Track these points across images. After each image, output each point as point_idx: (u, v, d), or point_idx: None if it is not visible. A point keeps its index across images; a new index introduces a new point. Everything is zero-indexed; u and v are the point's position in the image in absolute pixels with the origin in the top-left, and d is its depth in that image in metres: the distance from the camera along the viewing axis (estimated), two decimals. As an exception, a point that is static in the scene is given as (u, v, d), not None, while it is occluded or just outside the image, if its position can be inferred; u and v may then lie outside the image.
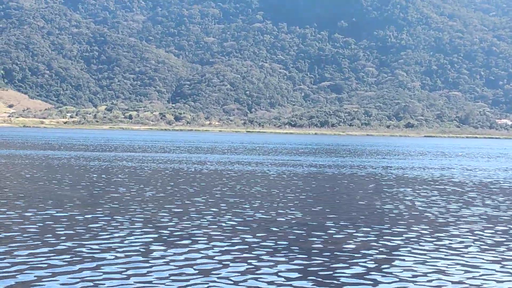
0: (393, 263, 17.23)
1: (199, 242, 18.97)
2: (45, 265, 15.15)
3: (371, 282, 15.13)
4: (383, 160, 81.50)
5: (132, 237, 19.34)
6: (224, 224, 22.49)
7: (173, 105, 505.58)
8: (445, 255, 18.65)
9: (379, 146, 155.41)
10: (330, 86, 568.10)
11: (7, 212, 23.75)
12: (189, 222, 22.78)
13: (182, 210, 25.96)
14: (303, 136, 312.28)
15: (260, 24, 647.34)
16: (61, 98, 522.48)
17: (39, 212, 23.95)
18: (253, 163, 62.48)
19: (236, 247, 18.35)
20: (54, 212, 24.21)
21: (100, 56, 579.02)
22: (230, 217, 24.37)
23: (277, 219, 24.31)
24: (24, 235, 19.04)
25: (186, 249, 17.63)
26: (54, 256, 16.12)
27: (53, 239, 18.52)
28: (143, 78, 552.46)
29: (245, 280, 14.55)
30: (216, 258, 16.78)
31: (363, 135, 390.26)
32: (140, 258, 16.49)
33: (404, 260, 17.81)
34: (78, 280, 13.95)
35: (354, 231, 22.03)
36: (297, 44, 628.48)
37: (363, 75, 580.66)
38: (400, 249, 19.29)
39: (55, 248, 17.29)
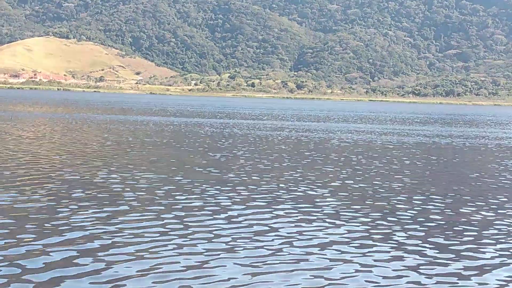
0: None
1: (326, 212, 18.75)
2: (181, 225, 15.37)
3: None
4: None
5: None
6: (348, 194, 22.17)
7: (295, 73, 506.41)
8: None
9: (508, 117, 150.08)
10: (456, 55, 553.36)
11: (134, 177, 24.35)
12: (309, 191, 22.58)
13: (298, 179, 25.81)
14: (428, 106, 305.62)
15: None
16: (186, 65, 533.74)
17: (161, 176, 24.41)
18: (374, 132, 61.70)
19: (355, 220, 18.02)
20: (176, 177, 24.60)
21: (224, 24, 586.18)
22: (353, 186, 24.04)
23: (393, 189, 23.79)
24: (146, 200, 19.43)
25: (314, 217, 17.45)
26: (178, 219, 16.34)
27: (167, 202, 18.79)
28: (265, 46, 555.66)
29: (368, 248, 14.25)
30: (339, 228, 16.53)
31: (490, 105, 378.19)
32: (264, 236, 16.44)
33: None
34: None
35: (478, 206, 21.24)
36: (422, 11, 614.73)
37: (492, 43, 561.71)
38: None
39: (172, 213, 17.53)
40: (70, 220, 16.00)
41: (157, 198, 19.83)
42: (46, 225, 15.41)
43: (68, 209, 17.35)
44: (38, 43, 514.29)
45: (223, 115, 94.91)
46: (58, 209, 17.34)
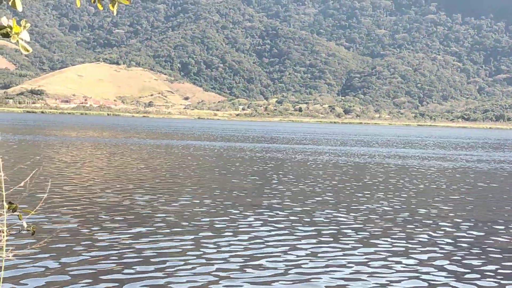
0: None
1: (368, 237, 18.89)
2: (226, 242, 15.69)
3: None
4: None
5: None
6: (390, 218, 22.25)
7: (343, 97, 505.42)
8: None
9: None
10: (506, 79, 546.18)
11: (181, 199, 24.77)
12: (348, 218, 22.73)
13: (334, 203, 25.95)
14: (478, 130, 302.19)
15: (433, 16, 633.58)
16: (233, 90, 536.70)
17: (205, 200, 24.80)
18: (421, 157, 61.40)
19: (399, 242, 18.09)
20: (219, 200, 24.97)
21: (272, 49, 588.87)
22: (394, 210, 24.10)
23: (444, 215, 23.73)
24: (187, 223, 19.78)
25: (355, 239, 17.60)
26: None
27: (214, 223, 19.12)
28: (313, 71, 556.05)
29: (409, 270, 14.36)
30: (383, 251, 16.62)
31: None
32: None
33: None
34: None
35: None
36: (471, 35, 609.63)
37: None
38: None
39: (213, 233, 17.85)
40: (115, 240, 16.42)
41: (196, 219, 20.22)
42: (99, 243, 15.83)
43: (109, 229, 17.82)
44: (88, 69, 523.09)
45: (268, 140, 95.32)
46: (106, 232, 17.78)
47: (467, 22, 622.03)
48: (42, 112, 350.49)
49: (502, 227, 21.64)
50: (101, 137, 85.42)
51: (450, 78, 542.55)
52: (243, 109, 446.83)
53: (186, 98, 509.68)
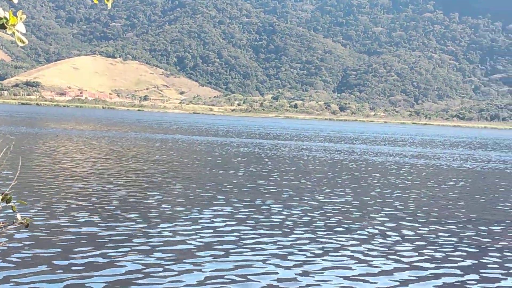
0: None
1: (364, 233, 18.80)
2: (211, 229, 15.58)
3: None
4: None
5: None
6: (387, 215, 22.16)
7: (339, 95, 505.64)
8: None
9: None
10: (502, 79, 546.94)
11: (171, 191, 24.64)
12: (352, 214, 22.65)
13: (333, 200, 25.85)
14: (472, 130, 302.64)
15: (431, 14, 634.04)
16: (229, 86, 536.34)
17: (201, 194, 24.66)
18: (415, 156, 61.33)
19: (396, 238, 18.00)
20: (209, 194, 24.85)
21: (268, 45, 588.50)
22: (392, 208, 24.02)
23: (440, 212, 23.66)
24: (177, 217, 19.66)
25: (347, 236, 17.49)
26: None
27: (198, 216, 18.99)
28: (309, 67, 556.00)
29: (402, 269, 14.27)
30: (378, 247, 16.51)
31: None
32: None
33: None
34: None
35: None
36: (468, 34, 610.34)
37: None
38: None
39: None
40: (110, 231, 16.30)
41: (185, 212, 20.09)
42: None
43: (106, 221, 17.70)
44: (84, 62, 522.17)
45: (257, 135, 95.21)
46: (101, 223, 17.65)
47: (464, 21, 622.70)
48: (37, 104, 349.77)
49: (487, 226, 21.58)
50: (95, 130, 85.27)
51: (446, 77, 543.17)
52: (239, 105, 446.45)
53: (182, 93, 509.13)
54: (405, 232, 19.80)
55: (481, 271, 15.34)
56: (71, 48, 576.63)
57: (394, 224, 21.05)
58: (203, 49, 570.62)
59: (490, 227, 21.73)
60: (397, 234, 19.33)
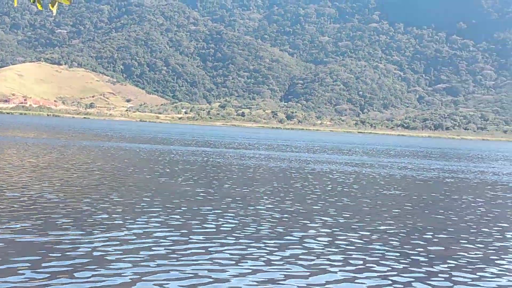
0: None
1: (307, 241, 18.84)
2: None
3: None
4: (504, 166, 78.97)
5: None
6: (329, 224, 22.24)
7: (285, 103, 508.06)
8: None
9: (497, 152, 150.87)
10: (445, 89, 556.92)
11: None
12: (298, 222, 22.67)
13: (282, 209, 25.89)
14: (416, 139, 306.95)
15: (376, 24, 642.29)
16: (176, 94, 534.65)
17: (151, 203, 24.45)
18: (361, 164, 61.91)
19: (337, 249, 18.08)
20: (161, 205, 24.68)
21: (216, 54, 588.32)
22: (337, 217, 24.13)
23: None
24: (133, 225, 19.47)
25: (301, 247, 17.52)
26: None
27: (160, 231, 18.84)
28: (256, 76, 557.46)
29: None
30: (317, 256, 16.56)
31: (478, 139, 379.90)
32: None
33: None
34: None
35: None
36: (413, 45, 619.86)
37: (481, 78, 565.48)
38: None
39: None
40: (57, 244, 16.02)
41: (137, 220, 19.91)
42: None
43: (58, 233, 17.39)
44: (29, 69, 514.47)
45: (203, 144, 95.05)
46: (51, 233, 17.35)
47: (409, 31, 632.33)
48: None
49: (431, 235, 21.85)
50: (42, 137, 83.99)
51: (391, 87, 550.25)
52: (186, 113, 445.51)
53: (128, 100, 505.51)
54: (343, 241, 19.92)
55: (428, 281, 15.51)
56: (15, 55, 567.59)
57: (337, 232, 21.16)
58: (150, 56, 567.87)
59: (436, 235, 22.02)
60: (339, 243, 19.44)
